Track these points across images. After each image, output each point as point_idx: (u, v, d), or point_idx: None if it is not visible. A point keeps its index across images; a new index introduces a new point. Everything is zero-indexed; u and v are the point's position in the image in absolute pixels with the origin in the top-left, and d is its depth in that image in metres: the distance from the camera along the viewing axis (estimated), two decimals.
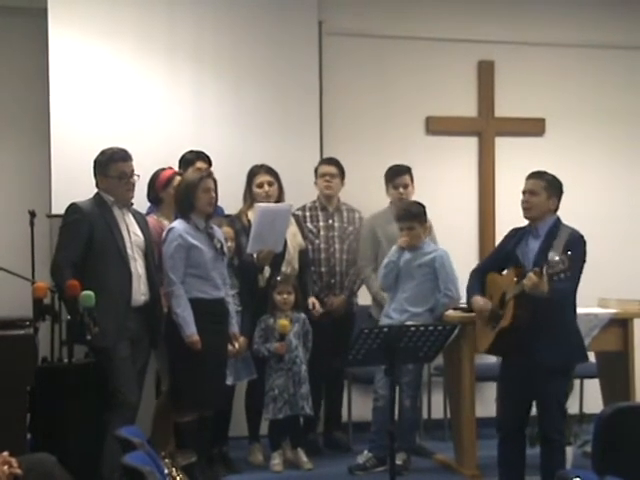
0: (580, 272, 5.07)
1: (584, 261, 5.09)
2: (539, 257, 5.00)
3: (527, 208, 5.17)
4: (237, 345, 5.70)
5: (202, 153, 6.33)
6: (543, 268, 4.78)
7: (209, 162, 6.29)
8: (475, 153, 7.69)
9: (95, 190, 5.39)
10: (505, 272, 5.20)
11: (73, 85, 6.71)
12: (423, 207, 6.15)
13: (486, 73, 7.68)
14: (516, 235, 5.27)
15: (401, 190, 6.55)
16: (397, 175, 6.59)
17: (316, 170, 6.69)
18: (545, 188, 5.14)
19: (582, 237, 5.11)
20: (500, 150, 7.67)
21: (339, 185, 6.68)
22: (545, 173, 5.25)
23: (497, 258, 5.36)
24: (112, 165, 5.30)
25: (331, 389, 6.75)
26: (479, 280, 5.35)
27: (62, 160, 6.52)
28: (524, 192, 5.20)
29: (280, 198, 6.30)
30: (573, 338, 5.11)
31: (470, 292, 5.38)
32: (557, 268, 4.72)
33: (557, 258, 4.75)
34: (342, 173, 6.68)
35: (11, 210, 6.70)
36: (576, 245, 5.00)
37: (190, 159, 6.28)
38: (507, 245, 5.29)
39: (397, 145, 7.39)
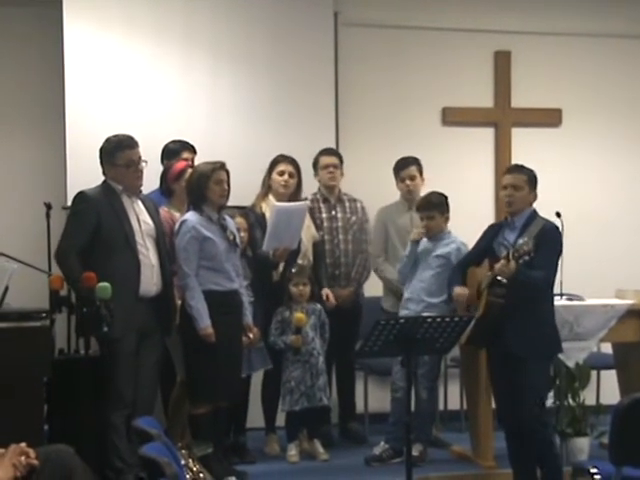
0: (556, 264, 5.07)
1: (560, 252, 5.09)
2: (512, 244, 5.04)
3: (511, 202, 5.16)
4: (251, 336, 5.70)
5: (187, 143, 6.29)
6: (509, 253, 4.84)
7: (194, 151, 6.26)
8: (491, 144, 7.66)
9: None
10: (483, 265, 5.23)
11: (88, 76, 6.72)
12: (444, 197, 6.13)
13: (503, 63, 7.65)
14: (493, 229, 5.31)
15: (407, 182, 6.53)
16: (403, 168, 6.56)
17: (316, 162, 6.64)
18: (527, 182, 5.16)
19: (556, 228, 5.13)
20: (516, 141, 7.64)
21: (340, 176, 6.66)
22: (524, 167, 5.26)
23: (476, 253, 5.39)
24: (119, 153, 5.22)
25: (343, 380, 6.75)
26: (459, 274, 5.40)
27: (77, 152, 6.52)
28: (505, 187, 5.19)
29: (297, 193, 6.29)
30: (546, 329, 5.07)
31: (450, 285, 5.44)
32: (522, 250, 4.80)
33: (521, 241, 4.84)
34: (342, 163, 6.65)
35: (27, 202, 6.72)
36: (548, 235, 5.02)
37: (175, 149, 6.23)
38: (485, 239, 5.32)
39: (413, 136, 7.37)
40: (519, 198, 5.13)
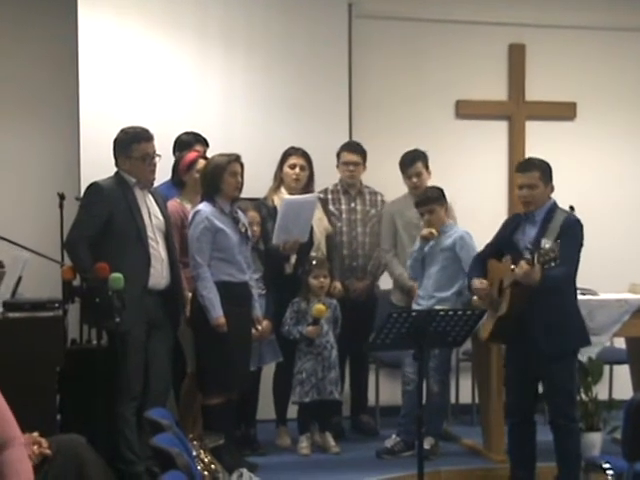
0: (578, 256, 5.00)
1: (581, 245, 5.02)
2: (535, 244, 4.95)
3: (528, 202, 5.07)
4: (260, 328, 5.70)
5: (199, 135, 6.28)
6: (534, 256, 4.75)
7: (207, 144, 6.26)
8: (505, 137, 7.64)
9: None
10: (504, 259, 5.16)
11: (102, 68, 6.72)
12: (441, 190, 6.11)
13: (517, 56, 7.63)
14: (514, 221, 5.24)
15: (414, 180, 6.46)
16: (409, 165, 6.49)
17: (338, 154, 6.62)
18: (540, 178, 5.05)
19: (578, 221, 5.02)
20: (530, 134, 7.61)
21: (362, 172, 6.64)
22: (535, 161, 5.17)
23: (496, 245, 5.31)
24: (135, 145, 5.18)
25: (356, 373, 6.76)
26: (479, 266, 5.34)
27: (91, 143, 6.52)
28: (521, 187, 5.09)
29: (309, 186, 6.28)
30: (573, 323, 5.03)
31: (469, 276, 5.39)
32: (548, 257, 4.70)
33: (547, 246, 4.73)
34: (365, 158, 6.62)
35: (41, 193, 6.74)
36: (571, 229, 4.95)
37: (187, 141, 6.22)
38: (505, 232, 5.25)
39: (426, 129, 7.35)
40: (536, 196, 5.04)
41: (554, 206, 5.08)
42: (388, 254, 6.50)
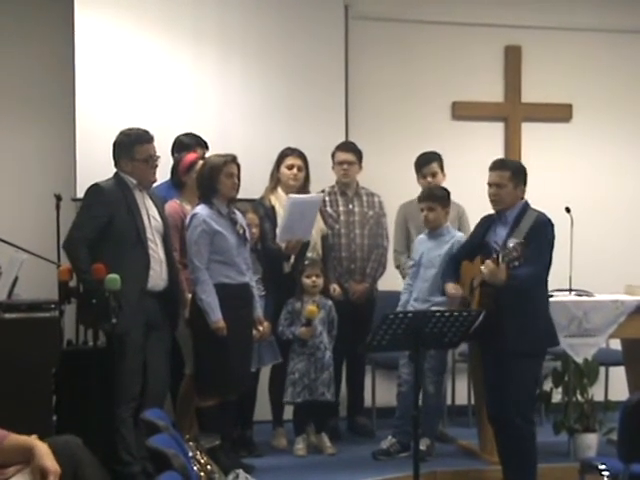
0: (549, 256, 5.03)
1: (552, 244, 5.06)
2: (502, 243, 4.98)
3: (496, 201, 5.14)
4: (261, 329, 5.70)
5: (200, 138, 6.27)
6: (499, 256, 4.76)
7: (207, 147, 6.25)
8: (501, 139, 7.65)
9: None
10: (475, 260, 5.19)
11: (98, 69, 6.73)
12: (447, 192, 6.11)
13: (513, 58, 7.64)
14: (487, 222, 5.26)
15: (429, 179, 6.46)
16: (424, 164, 6.51)
17: (333, 155, 6.62)
18: (510, 179, 5.10)
19: (548, 221, 5.07)
20: (526, 136, 7.62)
21: (357, 171, 6.63)
22: (508, 162, 5.24)
23: (469, 246, 5.36)
24: (138, 147, 5.19)
25: (353, 374, 6.74)
26: (453, 268, 5.39)
27: (87, 144, 6.54)
28: (490, 185, 5.14)
29: (305, 186, 6.29)
30: (541, 324, 5.06)
31: (443, 279, 5.44)
32: (511, 256, 4.74)
33: (511, 245, 4.76)
34: (360, 158, 6.61)
35: (37, 194, 6.73)
36: (541, 229, 4.98)
37: (188, 143, 6.20)
38: (478, 233, 5.28)
39: (423, 130, 7.37)
40: (504, 196, 5.10)
41: (526, 206, 5.13)
42: (402, 256, 6.50)
